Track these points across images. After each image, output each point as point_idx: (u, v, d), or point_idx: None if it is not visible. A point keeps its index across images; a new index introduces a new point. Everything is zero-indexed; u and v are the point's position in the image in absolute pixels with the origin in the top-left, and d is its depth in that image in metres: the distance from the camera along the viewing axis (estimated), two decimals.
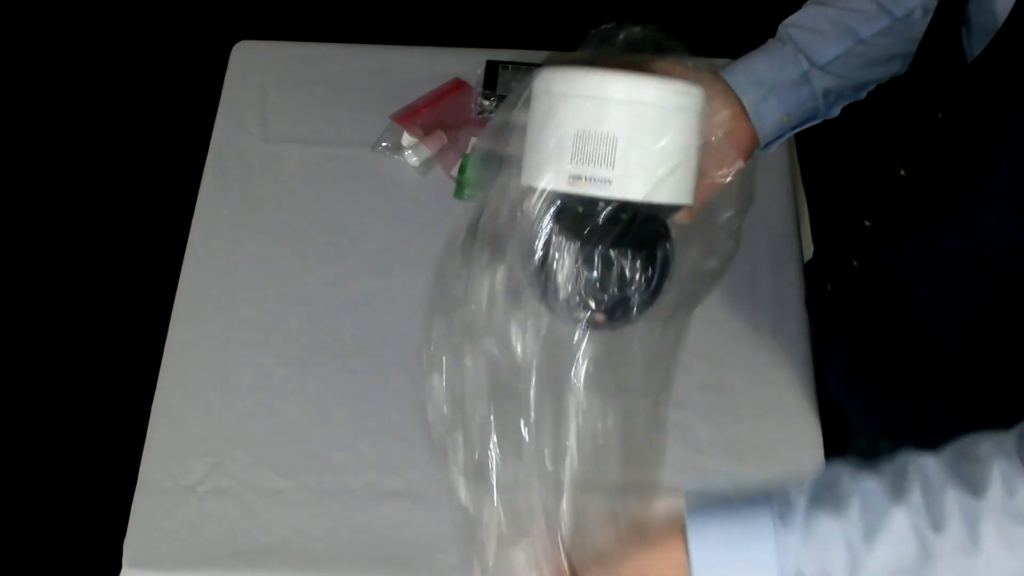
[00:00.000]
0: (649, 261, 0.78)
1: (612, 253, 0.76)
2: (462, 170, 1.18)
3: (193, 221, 1.16)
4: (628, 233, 0.76)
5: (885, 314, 0.92)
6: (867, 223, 0.90)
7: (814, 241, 1.25)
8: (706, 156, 0.84)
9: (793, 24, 0.87)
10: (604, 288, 0.78)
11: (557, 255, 0.77)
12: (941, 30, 0.78)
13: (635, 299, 0.79)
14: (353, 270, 1.12)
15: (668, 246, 0.78)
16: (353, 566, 0.95)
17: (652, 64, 0.82)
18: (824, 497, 0.63)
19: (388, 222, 1.16)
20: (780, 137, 0.88)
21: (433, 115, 1.23)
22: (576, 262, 0.76)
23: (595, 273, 0.77)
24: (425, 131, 1.21)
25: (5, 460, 1.76)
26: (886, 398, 0.96)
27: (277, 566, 0.95)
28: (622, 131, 0.70)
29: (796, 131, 0.89)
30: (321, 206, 1.17)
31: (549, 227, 0.78)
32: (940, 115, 0.77)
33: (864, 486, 0.63)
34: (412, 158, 1.19)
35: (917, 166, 0.82)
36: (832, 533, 0.62)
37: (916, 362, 0.90)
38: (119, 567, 0.95)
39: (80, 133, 2.16)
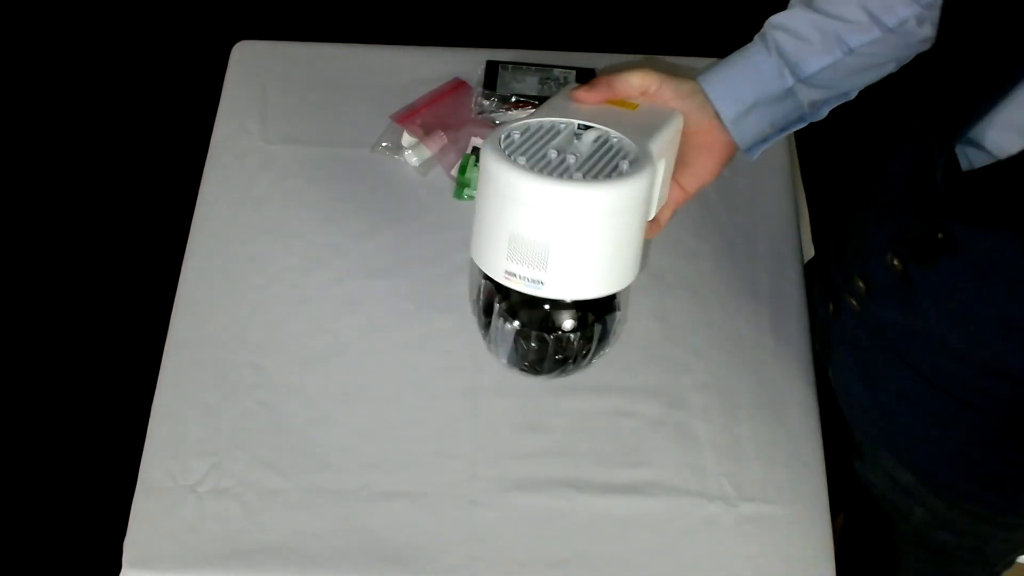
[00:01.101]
0: (586, 337, 0.80)
1: (547, 336, 0.79)
2: (462, 170, 1.18)
3: (193, 221, 1.16)
4: (569, 313, 0.78)
5: (883, 354, 0.89)
6: (861, 284, 0.88)
7: (814, 241, 1.25)
8: (681, 167, 0.84)
9: (780, 26, 0.83)
10: (541, 357, 0.81)
11: (499, 326, 0.80)
12: (933, 152, 0.75)
13: (571, 366, 0.82)
14: (353, 270, 1.12)
15: (607, 319, 0.81)
16: (353, 566, 0.95)
17: (628, 75, 0.81)
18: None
19: (388, 222, 1.16)
20: (764, 142, 0.85)
21: (433, 115, 1.23)
22: (516, 338, 0.80)
23: (532, 346, 0.80)
24: (425, 131, 1.21)
25: (5, 460, 1.76)
26: (888, 421, 0.94)
27: (277, 566, 0.95)
28: (555, 239, 0.70)
29: (781, 136, 0.86)
30: (321, 206, 1.17)
31: (491, 298, 0.81)
32: (940, 236, 0.74)
33: None
34: (412, 158, 1.19)
35: (914, 268, 0.80)
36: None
37: (917, 399, 0.88)
38: (119, 567, 0.95)
39: (80, 133, 2.16)
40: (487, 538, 0.97)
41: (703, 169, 0.85)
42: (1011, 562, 1.05)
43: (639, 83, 0.80)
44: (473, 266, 0.77)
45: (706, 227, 1.16)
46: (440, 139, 1.20)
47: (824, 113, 0.86)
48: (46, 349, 1.88)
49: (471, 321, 1.09)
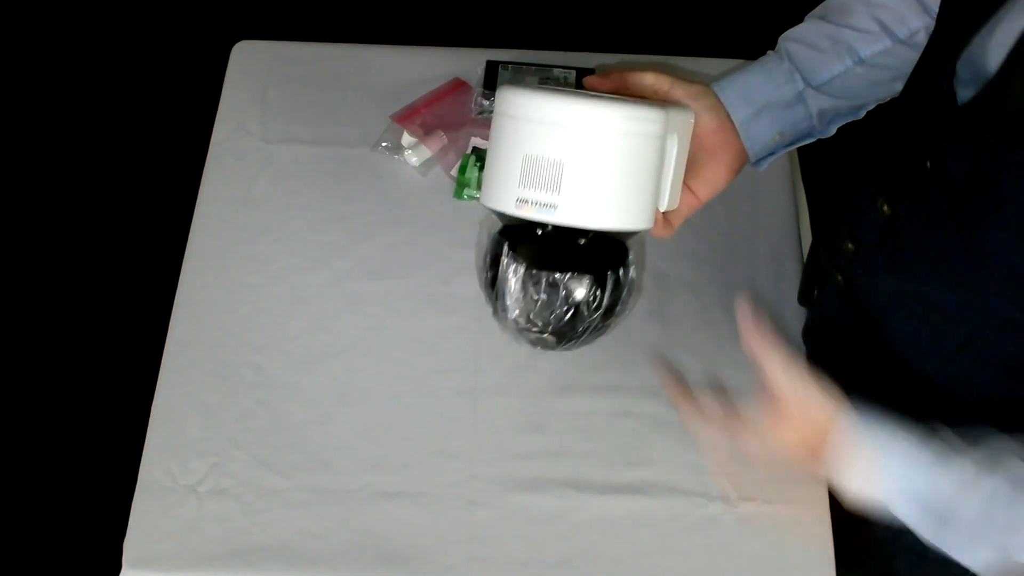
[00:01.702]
0: (598, 285, 0.78)
1: (558, 277, 0.76)
2: (462, 170, 1.18)
3: (193, 221, 1.16)
4: (579, 257, 0.76)
5: (863, 334, 0.89)
6: (849, 246, 0.88)
7: (813, 234, 1.25)
8: (692, 172, 0.84)
9: (792, 38, 0.84)
10: (550, 311, 0.78)
11: (507, 276, 0.78)
12: (931, 73, 0.75)
13: (584, 323, 0.79)
14: (353, 270, 1.12)
15: (621, 270, 0.79)
16: (353, 566, 0.95)
17: (642, 73, 0.81)
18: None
19: (388, 222, 1.16)
20: (772, 155, 0.86)
21: (433, 115, 1.23)
22: (523, 284, 0.77)
23: (542, 296, 0.78)
24: (425, 131, 1.21)
25: (5, 460, 1.76)
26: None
27: (277, 566, 0.95)
28: (569, 157, 0.69)
29: (789, 148, 0.87)
30: (321, 206, 1.17)
31: (499, 247, 0.78)
32: (928, 164, 0.74)
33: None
34: (412, 158, 1.19)
35: (902, 208, 0.79)
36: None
37: (894, 385, 0.87)
38: (119, 567, 0.95)
39: (80, 133, 2.16)
40: (487, 538, 0.97)
41: (715, 175, 0.85)
42: None
43: (652, 82, 0.81)
44: (480, 235, 0.77)
45: (706, 227, 1.16)
46: (440, 139, 1.20)
47: (832, 130, 0.87)
48: (46, 349, 1.88)
49: (471, 321, 1.09)
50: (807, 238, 1.23)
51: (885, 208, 0.81)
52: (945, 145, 0.72)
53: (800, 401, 0.75)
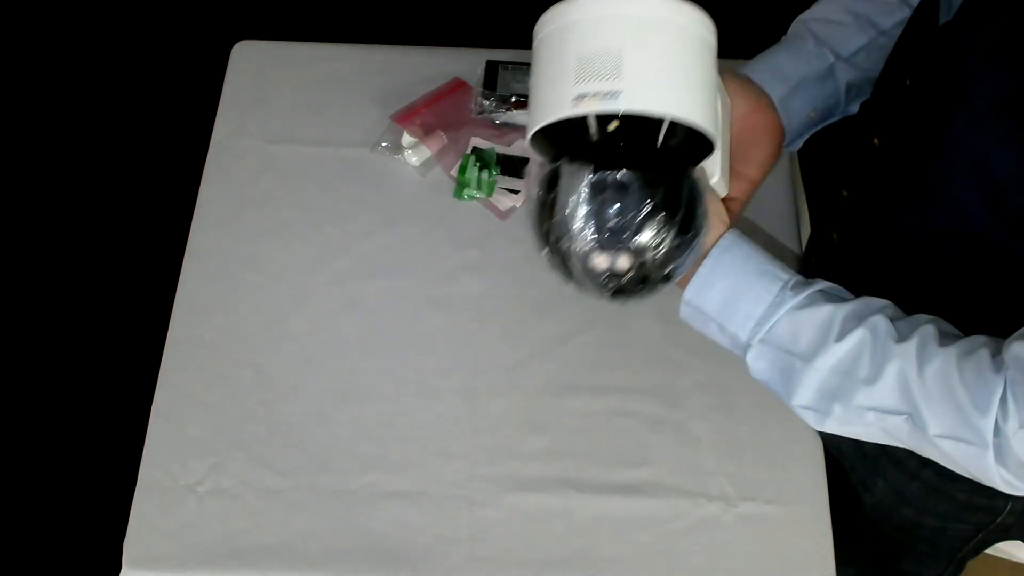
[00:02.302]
0: (672, 191, 0.66)
1: (630, 176, 0.65)
2: (462, 170, 1.18)
3: (193, 221, 1.16)
4: (648, 155, 0.66)
5: (862, 290, 0.90)
6: (844, 193, 0.89)
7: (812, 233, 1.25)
8: (738, 157, 0.82)
9: (811, 19, 0.86)
10: (623, 220, 0.65)
11: (570, 188, 0.66)
12: (922, 6, 0.77)
13: (663, 242, 0.66)
14: (353, 270, 1.12)
15: (696, 183, 0.69)
16: (353, 566, 0.95)
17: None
18: (831, 294, 0.73)
19: (388, 222, 1.16)
20: (801, 136, 0.87)
21: (433, 115, 1.23)
22: (591, 194, 0.65)
23: (612, 206, 0.65)
24: (425, 131, 1.21)
25: (5, 460, 1.76)
26: None
27: (277, 566, 0.95)
28: (626, 42, 0.64)
29: (818, 128, 0.88)
30: (321, 206, 1.17)
31: (558, 165, 0.67)
32: (908, 81, 0.76)
33: (873, 302, 0.72)
34: (412, 158, 1.19)
35: (889, 135, 0.80)
36: (820, 316, 0.70)
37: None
38: (119, 567, 0.95)
39: (80, 133, 2.16)
40: (487, 538, 0.97)
41: (761, 153, 0.85)
42: (974, 550, 1.05)
43: None
44: (530, 182, 0.73)
45: None
46: (440, 139, 1.20)
47: (855, 108, 0.88)
48: (46, 349, 1.88)
49: (471, 321, 1.09)
50: (807, 238, 1.23)
51: (875, 141, 0.82)
52: (923, 61, 0.74)
53: None
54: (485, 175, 1.17)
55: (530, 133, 0.67)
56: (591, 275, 0.68)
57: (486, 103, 1.23)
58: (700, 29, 0.68)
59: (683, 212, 0.67)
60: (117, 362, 1.84)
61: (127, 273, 1.95)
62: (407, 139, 1.20)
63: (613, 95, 0.63)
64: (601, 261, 0.67)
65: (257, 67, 1.29)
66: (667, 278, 0.69)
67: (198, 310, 1.10)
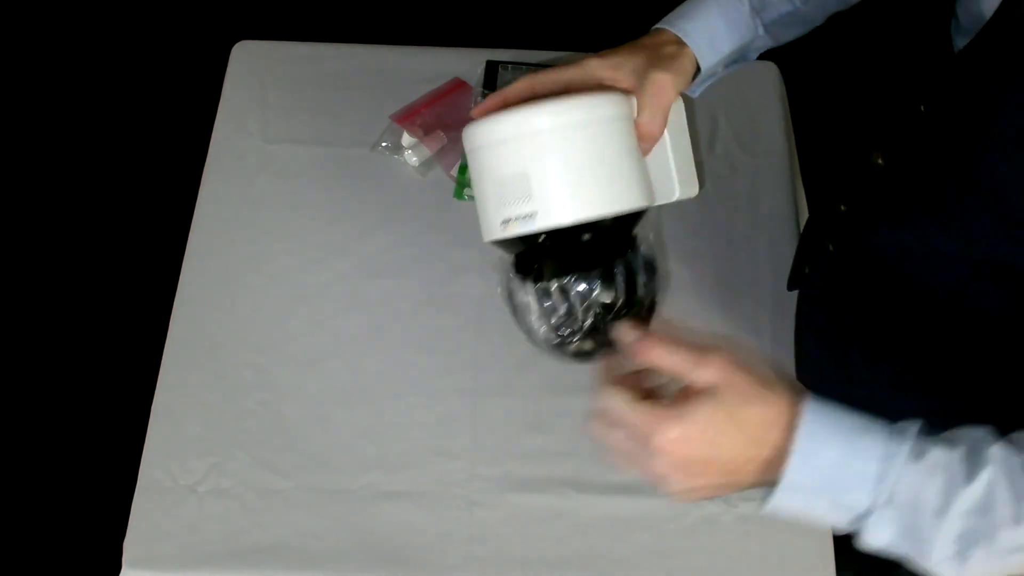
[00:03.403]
0: (607, 278, 0.76)
1: (565, 282, 0.76)
2: (462, 170, 1.18)
3: (193, 221, 1.16)
4: (580, 257, 0.75)
5: (854, 298, 0.91)
6: (842, 207, 0.89)
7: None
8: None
9: None
10: (573, 317, 0.76)
11: (523, 300, 0.77)
12: (928, 25, 0.78)
13: (611, 318, 0.76)
14: (353, 270, 1.12)
15: (630, 255, 0.77)
16: (353, 566, 0.95)
17: (586, 57, 0.80)
18: (933, 435, 0.64)
19: (388, 222, 1.16)
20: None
21: (433, 115, 1.23)
22: (539, 301, 0.76)
23: (560, 306, 0.76)
24: (425, 131, 1.21)
25: (5, 460, 1.76)
26: (851, 387, 0.95)
27: (277, 566, 0.95)
28: (530, 163, 0.71)
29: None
30: (321, 206, 1.17)
31: (510, 277, 0.79)
32: (922, 107, 0.76)
33: (973, 433, 0.63)
34: (412, 158, 1.19)
35: (897, 156, 0.81)
36: (937, 463, 0.61)
37: (882, 347, 0.89)
38: (119, 567, 0.95)
39: (81, 133, 2.16)
40: (487, 538, 0.97)
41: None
42: None
43: (583, 77, 0.79)
44: (499, 271, 0.77)
45: (706, 227, 1.16)
46: (440, 139, 1.20)
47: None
48: (46, 349, 1.88)
49: (471, 321, 1.09)
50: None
51: (879, 160, 0.82)
52: (940, 89, 0.73)
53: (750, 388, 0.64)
54: None
55: (484, 239, 0.77)
56: (562, 356, 0.79)
57: None
58: (602, 112, 0.73)
59: (624, 295, 0.76)
60: (117, 362, 1.84)
61: (127, 273, 1.95)
62: (407, 139, 1.20)
63: (530, 217, 0.71)
64: (569, 350, 0.77)
65: (257, 67, 1.29)
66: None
67: (198, 310, 1.10)
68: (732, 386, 0.64)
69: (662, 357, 0.66)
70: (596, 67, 0.77)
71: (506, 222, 0.72)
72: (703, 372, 0.64)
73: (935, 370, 0.86)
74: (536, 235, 0.73)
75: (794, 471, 0.63)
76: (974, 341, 0.81)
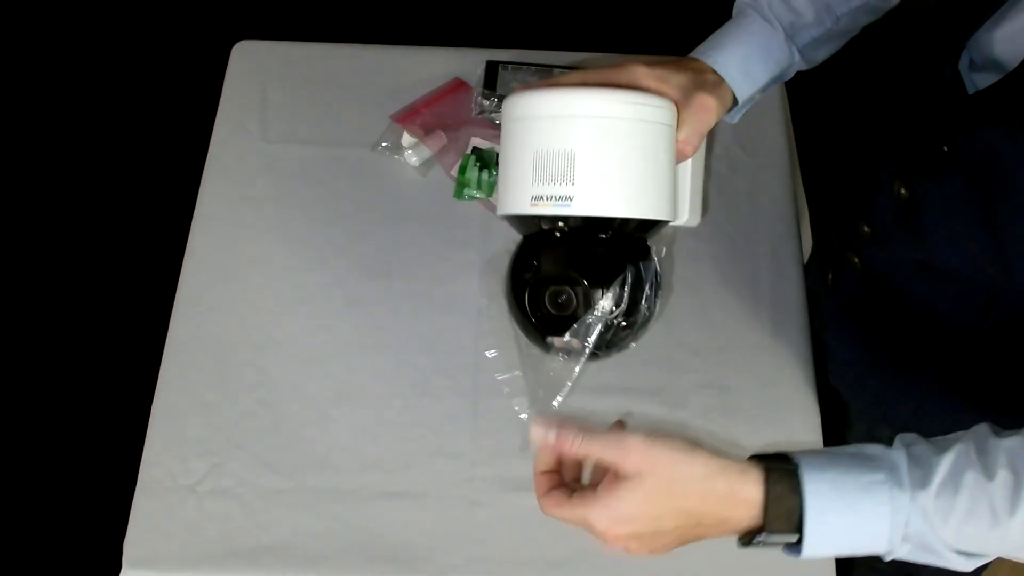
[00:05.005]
0: (619, 285, 0.75)
1: (579, 282, 0.74)
2: (462, 170, 1.18)
3: (193, 221, 1.16)
4: (599, 260, 0.74)
5: (885, 309, 0.92)
6: (866, 229, 0.90)
7: (813, 235, 1.25)
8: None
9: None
10: (570, 314, 0.75)
11: (528, 291, 0.75)
12: (937, 59, 0.77)
13: (614, 323, 0.76)
14: (353, 270, 1.12)
15: (643, 266, 0.76)
16: (353, 566, 0.95)
17: (632, 63, 0.80)
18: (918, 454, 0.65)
19: (388, 222, 1.16)
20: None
21: (433, 115, 1.23)
22: (537, 295, 0.75)
23: (562, 303, 0.75)
24: (425, 131, 1.21)
25: (5, 460, 1.76)
26: (885, 388, 0.96)
27: (277, 566, 0.95)
28: (580, 146, 0.68)
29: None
30: (321, 206, 1.17)
31: (521, 264, 0.76)
32: (946, 148, 0.75)
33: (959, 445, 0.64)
34: (412, 158, 1.19)
35: (920, 189, 0.81)
36: (930, 493, 0.62)
37: (916, 355, 0.90)
38: (119, 567, 0.95)
39: (80, 133, 2.16)
40: (487, 538, 0.97)
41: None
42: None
43: (641, 69, 0.79)
44: (498, 281, 0.77)
45: (706, 227, 1.16)
46: (440, 139, 1.20)
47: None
48: (46, 349, 1.88)
49: (471, 321, 1.09)
50: (807, 238, 1.23)
51: (902, 191, 0.82)
52: (962, 131, 0.73)
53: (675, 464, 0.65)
54: (485, 175, 1.17)
55: (499, 212, 0.75)
56: (553, 354, 0.79)
57: (486, 103, 1.23)
58: (662, 114, 0.72)
59: (627, 303, 0.75)
60: (117, 362, 1.84)
61: (127, 273, 1.95)
62: (407, 139, 1.20)
63: (566, 200, 0.69)
64: (564, 348, 0.77)
65: (257, 67, 1.29)
66: (628, 340, 0.78)
67: (198, 310, 1.10)
68: (657, 466, 0.65)
69: (582, 448, 0.67)
70: (643, 75, 0.77)
71: (538, 199, 0.69)
72: (626, 462, 0.65)
73: (967, 382, 0.86)
74: (557, 218, 0.71)
75: (809, 547, 0.67)
76: (1007, 357, 0.81)
